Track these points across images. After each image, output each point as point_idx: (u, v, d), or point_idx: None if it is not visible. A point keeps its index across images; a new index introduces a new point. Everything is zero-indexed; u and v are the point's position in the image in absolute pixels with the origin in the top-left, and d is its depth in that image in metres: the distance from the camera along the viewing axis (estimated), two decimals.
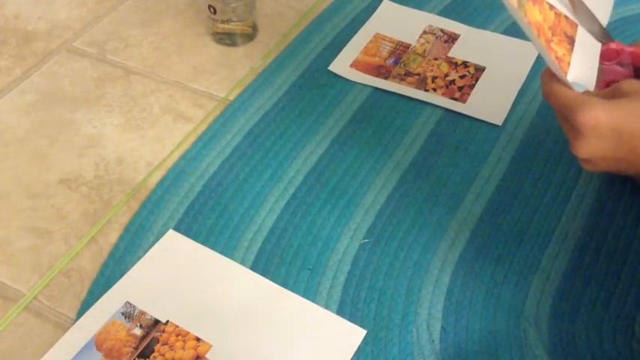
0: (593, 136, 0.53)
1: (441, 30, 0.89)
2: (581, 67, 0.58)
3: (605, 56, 0.62)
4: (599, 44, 0.61)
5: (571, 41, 0.59)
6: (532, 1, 0.57)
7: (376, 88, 0.82)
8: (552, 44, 0.56)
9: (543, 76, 0.58)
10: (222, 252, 0.68)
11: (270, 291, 0.64)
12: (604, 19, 0.63)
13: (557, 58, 0.56)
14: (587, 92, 0.56)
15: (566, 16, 0.60)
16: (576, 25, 0.61)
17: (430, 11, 0.92)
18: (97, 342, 0.61)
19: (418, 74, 0.83)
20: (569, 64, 0.57)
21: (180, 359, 0.60)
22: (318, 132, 0.78)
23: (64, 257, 0.69)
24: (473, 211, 0.69)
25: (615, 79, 0.60)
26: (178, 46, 0.91)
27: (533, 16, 0.56)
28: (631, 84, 0.54)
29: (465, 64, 0.84)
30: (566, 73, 0.56)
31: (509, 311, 0.62)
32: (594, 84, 0.58)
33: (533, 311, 0.62)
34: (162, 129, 0.81)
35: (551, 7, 0.59)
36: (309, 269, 0.66)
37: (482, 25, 0.89)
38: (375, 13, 0.92)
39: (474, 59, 0.85)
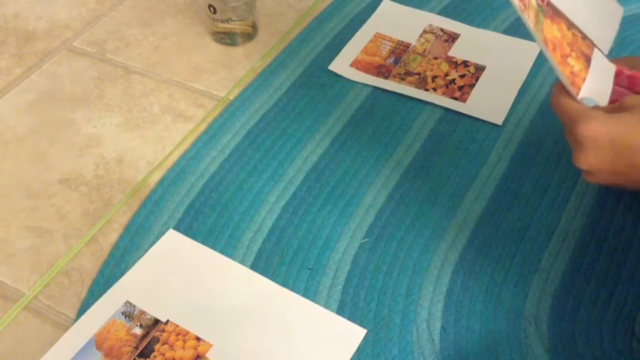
0: (593, 148, 0.55)
1: (441, 29, 0.89)
2: (595, 83, 0.59)
3: None
4: (614, 66, 0.62)
5: (587, 59, 0.60)
6: (550, 19, 0.58)
7: (376, 88, 0.82)
8: (570, 59, 0.58)
9: (555, 87, 0.59)
10: (222, 252, 0.68)
11: (270, 291, 0.64)
12: (606, 47, 0.63)
13: (572, 73, 0.57)
14: (594, 107, 0.57)
15: (582, 37, 0.61)
16: (592, 46, 0.62)
17: (430, 10, 0.91)
18: (97, 341, 0.61)
19: (418, 74, 0.83)
20: (584, 79, 0.58)
21: (180, 359, 0.60)
22: (318, 132, 0.78)
23: (64, 257, 0.69)
24: (473, 211, 0.69)
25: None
26: (178, 46, 0.91)
27: (550, 33, 0.57)
28: (635, 99, 0.55)
29: (465, 63, 0.84)
30: (579, 88, 0.57)
31: (509, 311, 0.62)
32: (607, 102, 0.59)
33: (533, 311, 0.62)
34: (162, 128, 0.81)
35: (569, 27, 0.60)
36: (309, 269, 0.66)
37: (482, 24, 0.89)
38: (375, 12, 0.92)
39: (474, 58, 0.84)
